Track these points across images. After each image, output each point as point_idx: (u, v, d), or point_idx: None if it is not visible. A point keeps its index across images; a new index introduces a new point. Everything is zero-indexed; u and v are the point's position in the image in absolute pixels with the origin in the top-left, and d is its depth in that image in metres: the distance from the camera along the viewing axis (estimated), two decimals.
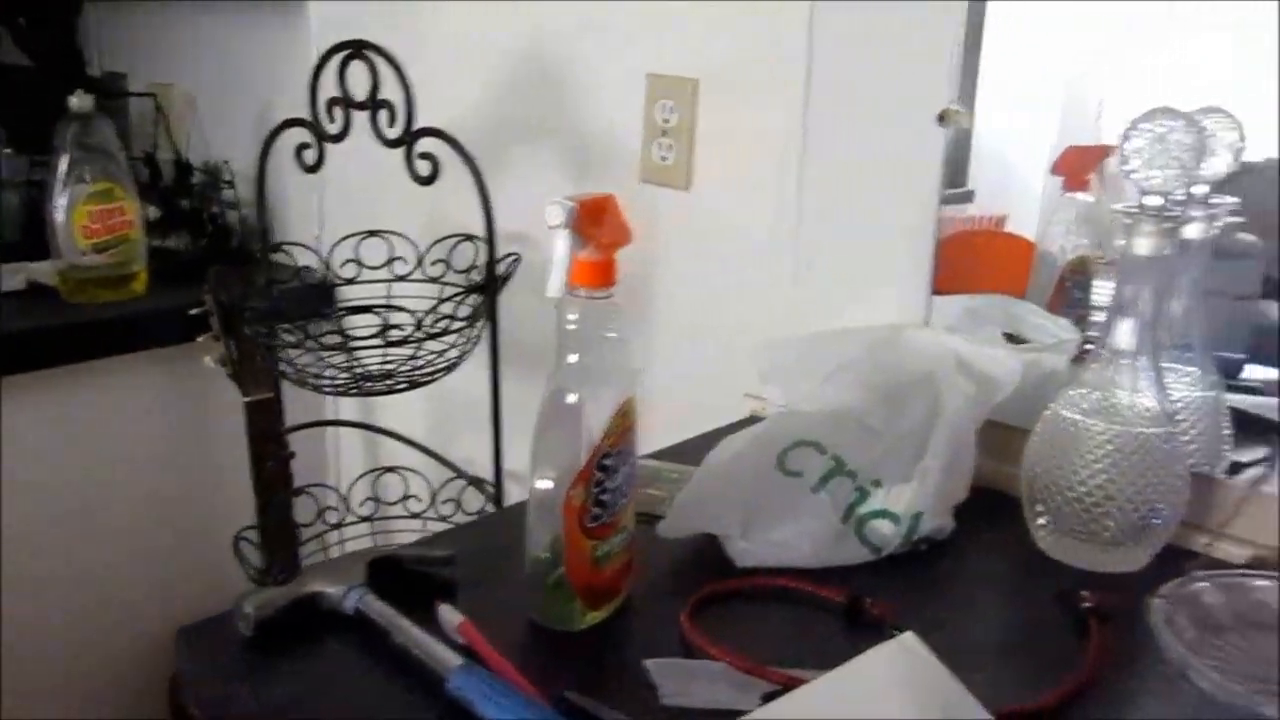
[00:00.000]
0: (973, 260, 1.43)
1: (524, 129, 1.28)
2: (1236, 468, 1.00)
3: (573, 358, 0.68)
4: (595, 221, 0.66)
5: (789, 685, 0.63)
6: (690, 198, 1.12)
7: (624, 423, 0.69)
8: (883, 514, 0.81)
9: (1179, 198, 0.85)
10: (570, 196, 0.66)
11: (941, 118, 0.91)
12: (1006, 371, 0.87)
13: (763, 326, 1.06)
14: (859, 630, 0.72)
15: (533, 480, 0.68)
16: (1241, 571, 0.62)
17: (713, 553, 0.80)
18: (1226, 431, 0.90)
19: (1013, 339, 0.99)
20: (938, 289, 1.07)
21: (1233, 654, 0.57)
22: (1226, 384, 1.26)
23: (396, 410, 1.52)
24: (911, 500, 0.81)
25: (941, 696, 0.60)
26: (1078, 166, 1.09)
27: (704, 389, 1.13)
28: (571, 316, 0.67)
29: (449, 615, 0.69)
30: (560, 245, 0.64)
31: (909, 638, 0.65)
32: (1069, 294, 1.10)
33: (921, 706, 0.59)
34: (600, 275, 0.66)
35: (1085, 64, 1.38)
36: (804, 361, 0.94)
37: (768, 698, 0.63)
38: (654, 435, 0.91)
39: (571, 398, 0.68)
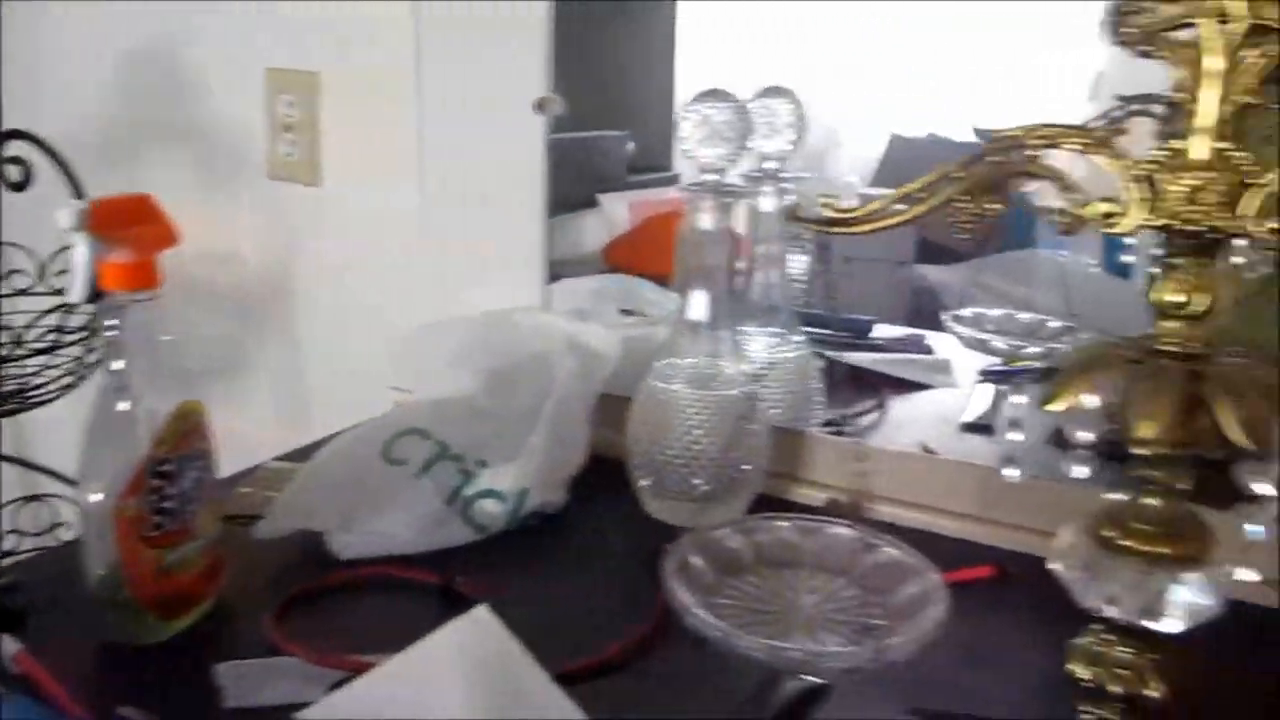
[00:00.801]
0: (669, 241, 1.49)
1: (150, 131, 1.22)
2: (846, 419, 1.10)
3: (118, 364, 0.65)
4: (123, 223, 0.64)
5: (359, 671, 0.63)
6: (320, 193, 1.10)
7: (182, 427, 0.67)
8: (489, 493, 0.83)
9: (744, 174, 0.93)
10: (97, 199, 0.64)
11: (539, 105, 0.94)
12: (610, 346, 0.91)
13: (400, 318, 1.06)
14: (454, 611, 0.73)
15: (82, 495, 0.66)
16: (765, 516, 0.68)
17: (317, 550, 0.79)
18: (817, 386, 0.98)
19: (632, 314, 1.04)
20: (639, 270, 1.10)
21: (750, 592, 0.63)
22: (857, 343, 1.37)
23: (50, 435, 1.42)
24: (517, 477, 0.84)
25: (503, 667, 0.62)
26: None
27: (353, 384, 1.12)
28: (111, 322, 0.65)
29: (7, 645, 0.65)
30: (79, 249, 0.62)
31: (480, 611, 0.67)
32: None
33: (483, 679, 0.61)
34: (138, 277, 0.64)
35: (779, 56, 1.48)
36: (427, 350, 0.95)
37: (335, 687, 0.63)
38: (308, 434, 0.90)
39: (122, 406, 0.65)
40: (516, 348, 0.91)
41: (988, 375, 1.18)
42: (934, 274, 1.45)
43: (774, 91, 0.91)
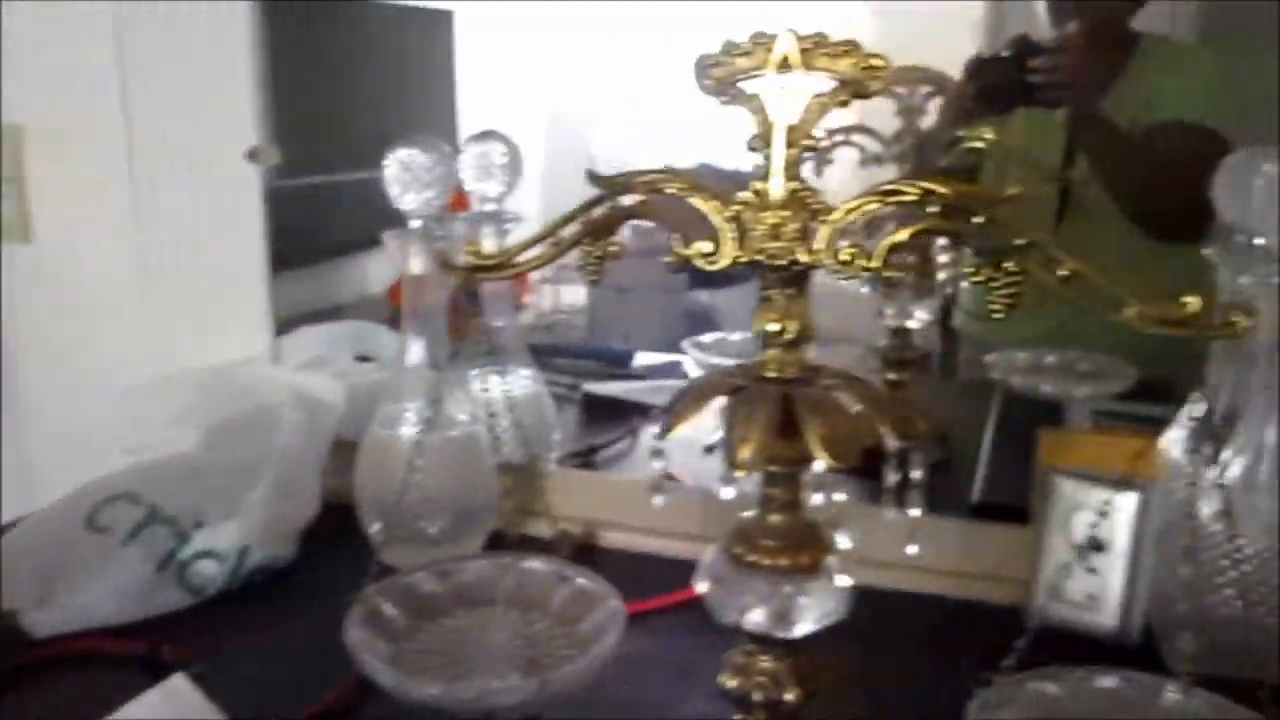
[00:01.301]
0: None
1: None
2: (595, 449, 1.12)
3: None
4: None
5: None
6: (34, 250, 1.05)
7: None
8: (205, 554, 0.81)
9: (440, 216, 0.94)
10: None
11: (251, 155, 0.93)
12: (335, 395, 0.90)
13: (126, 376, 1.02)
14: (159, 679, 0.71)
15: None
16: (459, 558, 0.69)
17: (9, 631, 0.75)
18: (553, 420, 1.00)
19: (368, 359, 1.03)
20: None
21: (442, 635, 0.63)
22: (617, 373, 1.40)
23: None
24: (236, 535, 0.82)
25: None
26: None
27: (82, 450, 1.07)
28: None
29: None
30: None
31: (177, 680, 0.65)
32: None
33: None
34: None
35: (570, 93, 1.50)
36: (148, 408, 0.92)
37: None
38: (34, 505, 0.85)
39: None
40: (240, 402, 0.89)
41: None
42: (709, 298, 1.50)
43: (486, 136, 0.92)
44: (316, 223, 1.23)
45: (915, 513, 0.51)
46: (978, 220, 0.45)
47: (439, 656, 0.61)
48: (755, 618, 0.52)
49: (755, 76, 0.48)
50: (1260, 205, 0.66)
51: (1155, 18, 1.09)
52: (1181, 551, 0.71)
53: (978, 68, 1.02)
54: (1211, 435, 0.77)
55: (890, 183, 0.47)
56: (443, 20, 1.52)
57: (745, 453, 0.47)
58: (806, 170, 1.02)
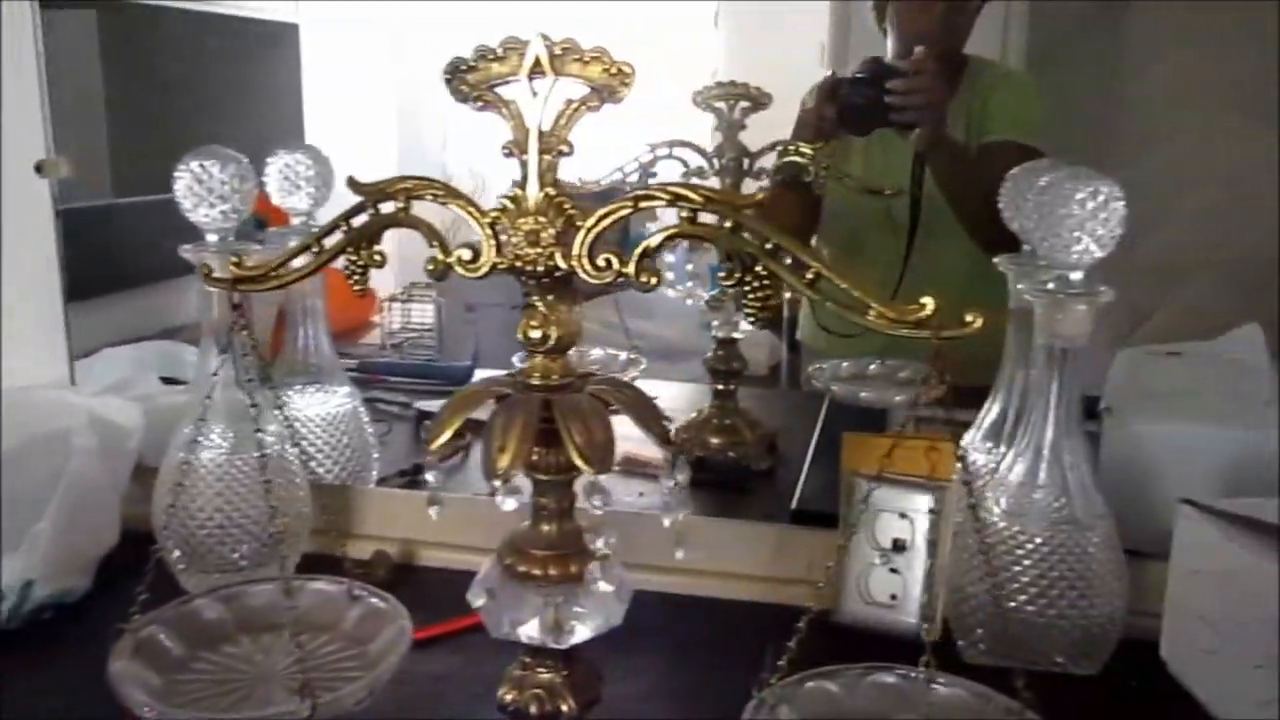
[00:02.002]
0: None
1: None
2: (419, 468, 1.10)
3: None
4: None
5: None
6: None
7: None
8: None
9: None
10: None
11: (39, 168, 0.88)
12: (133, 419, 0.86)
13: None
14: None
15: None
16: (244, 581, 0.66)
17: None
18: (373, 439, 0.98)
19: (175, 381, 0.99)
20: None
21: (222, 663, 0.60)
22: (454, 390, 1.37)
23: None
24: (19, 569, 0.77)
25: None
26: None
27: None
28: None
29: None
30: None
31: None
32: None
33: None
34: None
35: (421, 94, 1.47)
36: None
37: None
38: None
39: None
40: (30, 427, 0.84)
41: None
42: None
43: (294, 148, 0.90)
44: (157, 241, 1.19)
45: (679, 516, 0.50)
46: (728, 225, 0.46)
47: (216, 685, 0.59)
48: (529, 630, 0.51)
49: (510, 82, 0.48)
50: (1034, 216, 0.69)
51: (986, 43, 1.14)
52: (973, 549, 0.73)
53: (834, 89, 1.04)
54: (1002, 436, 0.80)
55: (643, 188, 0.47)
56: (288, 33, 1.49)
57: (503, 461, 0.46)
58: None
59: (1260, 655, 0.59)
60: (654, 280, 0.47)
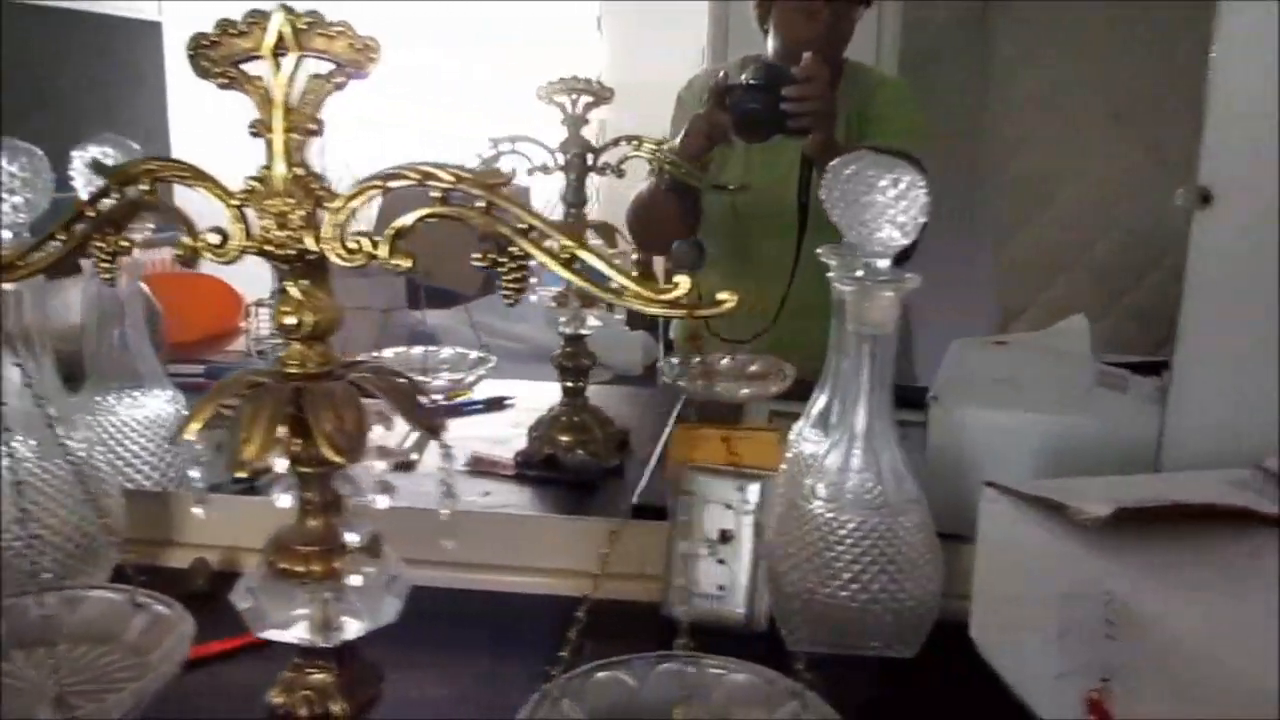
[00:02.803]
0: (186, 302, 1.38)
1: None
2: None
3: None
4: None
5: None
6: None
7: None
8: None
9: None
10: None
11: None
12: None
13: None
14: None
15: None
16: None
17: None
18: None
19: None
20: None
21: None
22: None
23: None
24: None
25: None
26: None
27: None
28: None
29: None
30: None
31: None
32: None
33: None
34: None
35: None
36: None
37: None
38: None
39: None
40: None
41: None
42: (432, 318, 1.47)
43: (102, 139, 0.86)
44: None
45: (446, 509, 0.49)
46: (480, 205, 0.45)
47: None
48: (298, 630, 0.49)
49: (254, 58, 0.46)
50: (841, 205, 0.70)
51: (860, 48, 1.15)
52: (794, 536, 0.73)
53: (723, 94, 1.03)
54: (827, 425, 0.80)
55: (394, 167, 0.46)
56: (150, 31, 1.45)
57: (248, 452, 0.44)
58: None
59: (1055, 631, 0.60)
60: (407, 263, 0.45)
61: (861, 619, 0.72)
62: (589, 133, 1.03)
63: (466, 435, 1.13)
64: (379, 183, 0.45)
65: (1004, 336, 0.98)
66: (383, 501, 0.50)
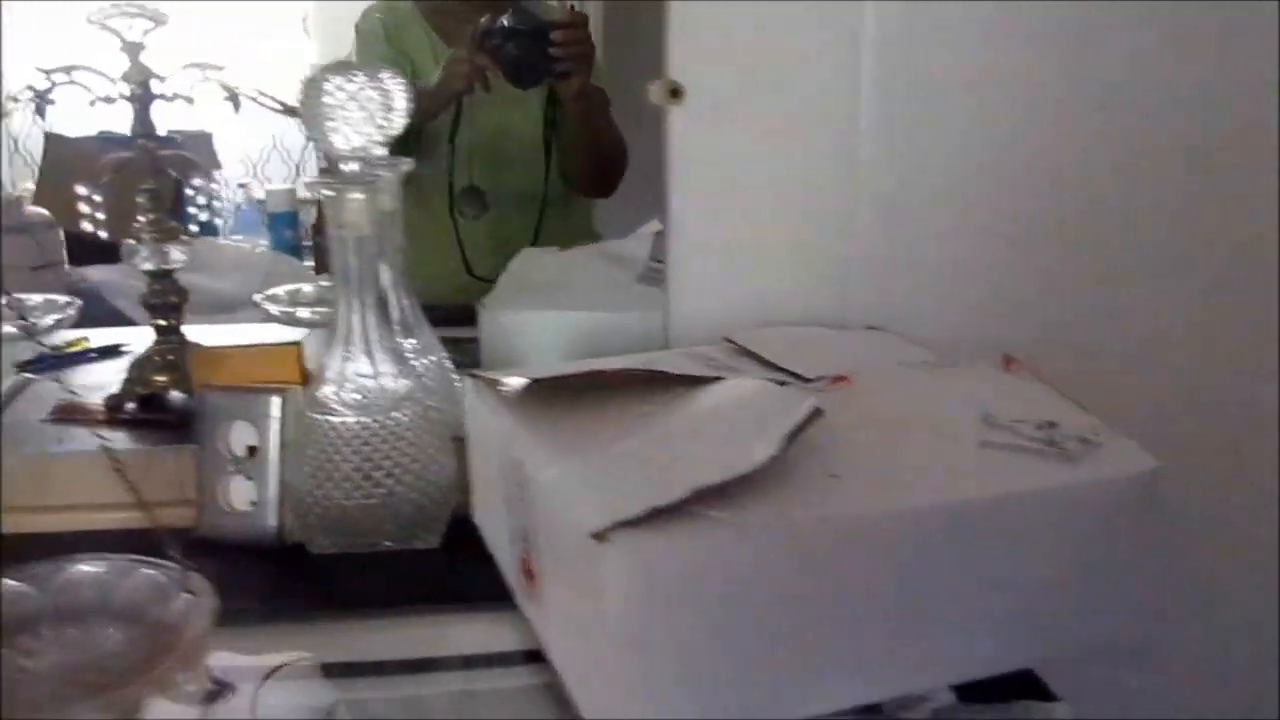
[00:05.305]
0: None
1: None
2: None
3: None
4: None
5: None
6: None
7: None
8: None
9: None
10: None
11: None
12: None
13: None
14: None
15: None
16: None
17: None
18: None
19: None
20: None
21: None
22: None
23: None
24: None
25: None
26: None
27: None
28: None
29: None
30: None
31: None
32: None
33: None
34: None
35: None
36: None
37: None
38: None
39: None
40: None
41: (27, 365, 1.16)
42: (95, 274, 1.40)
43: None
44: None
45: None
46: None
47: None
48: None
49: None
50: (310, 115, 0.70)
51: None
52: (305, 444, 0.75)
53: (485, 37, 1.03)
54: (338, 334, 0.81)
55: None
56: None
57: None
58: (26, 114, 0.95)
59: (502, 500, 0.63)
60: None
61: (374, 517, 0.74)
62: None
63: (86, 384, 1.09)
64: None
65: (578, 247, 1.02)
66: None
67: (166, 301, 1.04)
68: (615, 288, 0.91)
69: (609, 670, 0.50)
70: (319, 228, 1.28)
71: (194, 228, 1.39)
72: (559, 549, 0.54)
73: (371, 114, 0.68)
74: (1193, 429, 0.86)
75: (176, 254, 1.02)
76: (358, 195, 0.69)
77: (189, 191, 1.27)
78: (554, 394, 0.61)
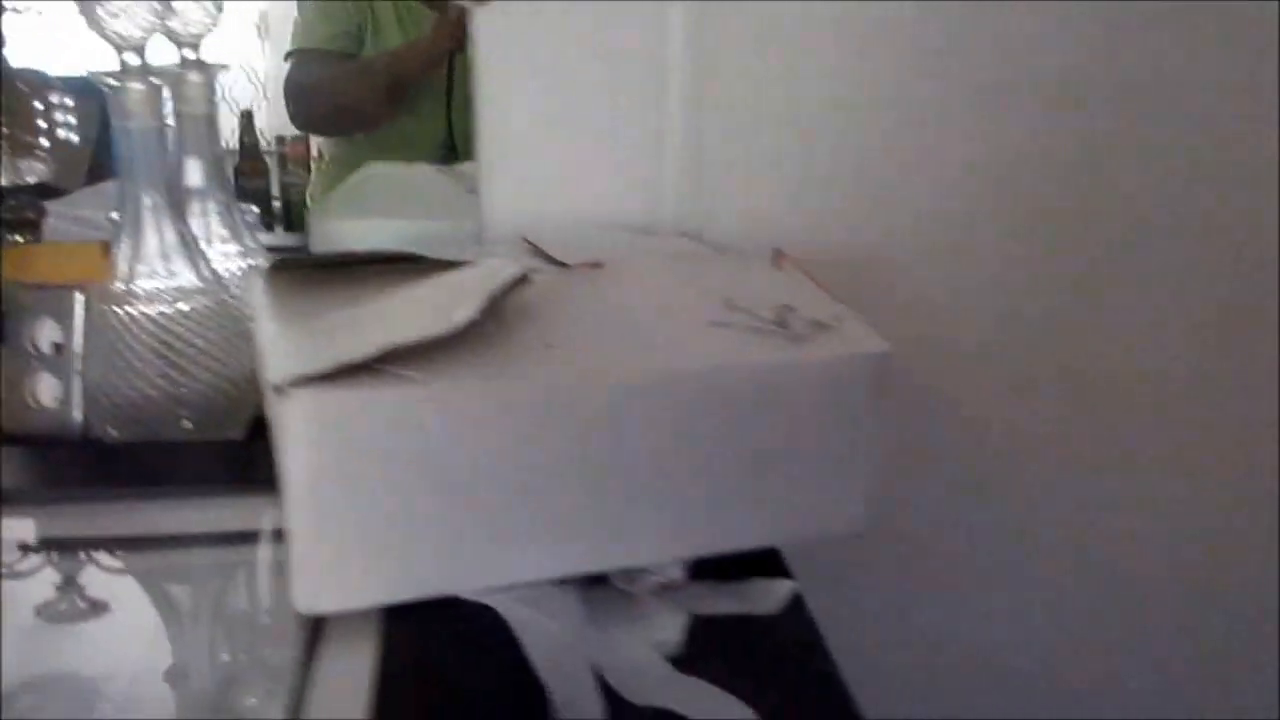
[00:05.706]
0: None
1: None
2: None
3: None
4: None
5: None
6: None
7: None
8: None
9: None
10: None
11: None
12: None
13: None
14: None
15: None
16: None
17: None
18: None
19: None
20: None
21: None
22: None
23: None
24: None
25: None
26: None
27: None
28: None
29: None
30: None
31: None
32: None
33: None
34: None
35: None
36: None
37: None
38: None
39: None
40: None
41: None
42: None
43: None
44: None
45: None
46: None
47: None
48: None
49: None
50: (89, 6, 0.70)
51: None
52: (102, 339, 0.75)
53: None
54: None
55: None
56: None
57: None
58: None
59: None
60: None
61: (169, 407, 0.74)
62: None
63: None
64: None
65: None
66: None
67: (21, 217, 1.04)
68: (445, 200, 0.91)
69: (296, 535, 0.50)
70: None
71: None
72: (271, 411, 0.54)
73: (152, 4, 0.68)
74: (1193, 429, 0.86)
75: (38, 167, 1.03)
76: (138, 86, 0.70)
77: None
78: (308, 275, 0.62)
